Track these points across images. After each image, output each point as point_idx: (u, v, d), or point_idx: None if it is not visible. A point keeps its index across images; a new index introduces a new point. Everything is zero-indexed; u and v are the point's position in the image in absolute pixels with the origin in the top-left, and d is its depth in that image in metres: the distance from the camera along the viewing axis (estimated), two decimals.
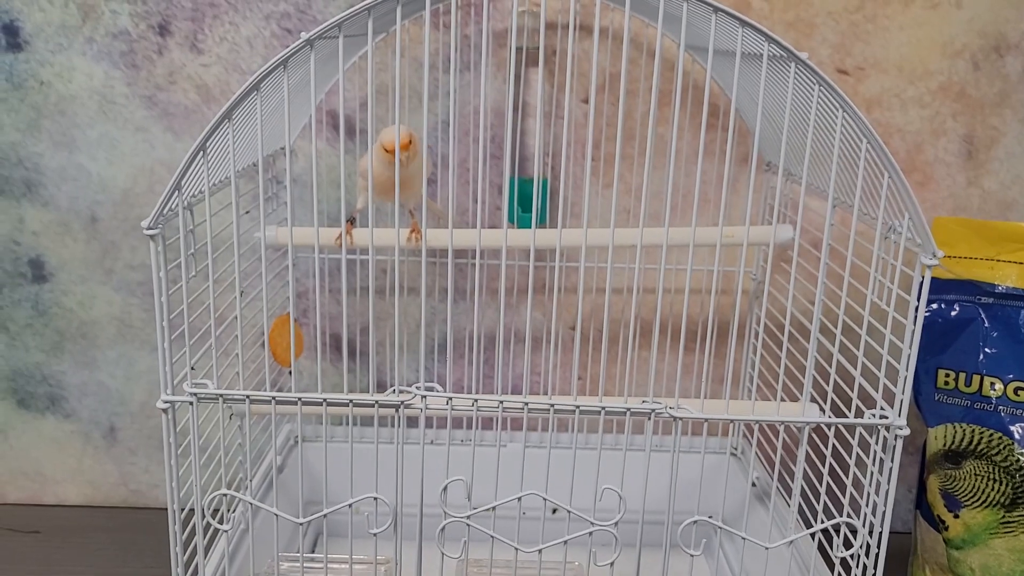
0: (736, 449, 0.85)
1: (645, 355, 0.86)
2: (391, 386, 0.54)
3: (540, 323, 0.86)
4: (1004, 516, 0.70)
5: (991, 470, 0.71)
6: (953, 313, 0.74)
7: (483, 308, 0.84)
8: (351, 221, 0.67)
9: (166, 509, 0.55)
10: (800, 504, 0.63)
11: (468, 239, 0.65)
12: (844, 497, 0.58)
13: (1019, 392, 0.71)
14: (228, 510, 0.57)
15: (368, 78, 0.51)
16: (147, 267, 0.84)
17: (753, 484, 0.77)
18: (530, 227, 0.76)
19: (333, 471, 0.57)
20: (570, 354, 0.86)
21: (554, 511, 0.55)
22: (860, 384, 0.58)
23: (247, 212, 0.66)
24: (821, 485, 0.63)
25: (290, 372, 0.81)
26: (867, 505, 0.57)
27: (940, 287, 0.74)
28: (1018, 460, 0.70)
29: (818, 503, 0.61)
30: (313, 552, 0.79)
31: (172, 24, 0.80)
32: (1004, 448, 0.70)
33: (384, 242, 0.68)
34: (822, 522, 0.58)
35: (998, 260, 0.73)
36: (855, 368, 0.58)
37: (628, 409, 0.53)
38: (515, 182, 0.79)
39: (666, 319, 0.83)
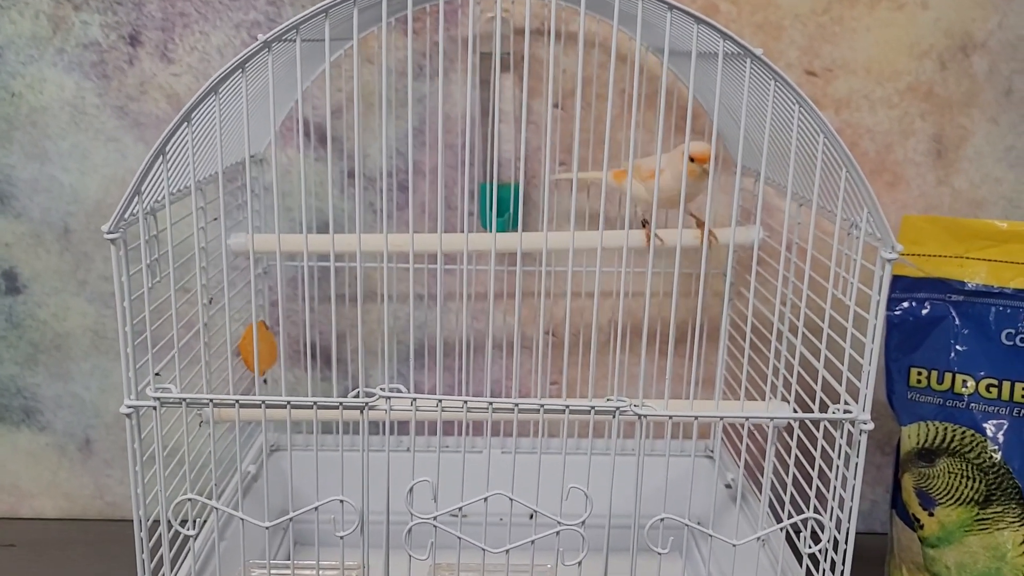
0: (714, 452, 0.85)
1: (621, 358, 0.86)
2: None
3: (512, 327, 0.86)
4: (978, 513, 0.70)
5: (964, 467, 0.71)
6: (924, 311, 0.74)
7: (459, 314, 0.84)
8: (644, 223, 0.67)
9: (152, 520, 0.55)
10: (774, 503, 0.63)
11: (433, 244, 0.66)
12: (812, 493, 0.59)
13: (991, 389, 0.71)
14: (194, 516, 0.56)
15: (326, 84, 0.51)
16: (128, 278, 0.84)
17: (727, 486, 0.77)
18: (503, 231, 0.77)
19: (306, 477, 0.57)
20: (547, 359, 0.86)
21: (531, 516, 0.55)
22: (827, 381, 0.58)
23: (215, 219, 0.66)
24: (793, 483, 0.64)
25: (265, 380, 0.81)
26: (834, 499, 0.57)
27: (910, 285, 0.75)
28: (991, 457, 0.70)
29: (790, 501, 0.61)
30: (290, 560, 0.79)
31: (142, 34, 0.80)
32: (977, 445, 0.71)
33: (361, 248, 0.69)
34: (789, 518, 0.58)
35: (967, 258, 0.73)
36: (824, 365, 0.58)
37: (592, 408, 0.53)
38: (487, 188, 0.79)
39: (639, 322, 0.84)
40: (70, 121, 0.81)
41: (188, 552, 0.60)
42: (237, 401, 0.52)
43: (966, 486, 0.70)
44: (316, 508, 0.53)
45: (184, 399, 0.52)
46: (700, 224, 0.68)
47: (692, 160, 0.60)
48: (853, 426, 0.55)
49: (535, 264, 0.83)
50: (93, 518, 0.92)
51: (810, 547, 0.58)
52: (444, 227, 0.82)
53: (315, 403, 0.52)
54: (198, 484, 0.63)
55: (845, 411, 0.55)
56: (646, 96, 0.80)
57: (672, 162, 0.63)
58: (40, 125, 0.81)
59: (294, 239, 0.63)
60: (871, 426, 0.54)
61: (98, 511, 0.92)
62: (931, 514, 0.72)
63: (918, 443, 0.73)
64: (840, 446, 0.56)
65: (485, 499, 0.53)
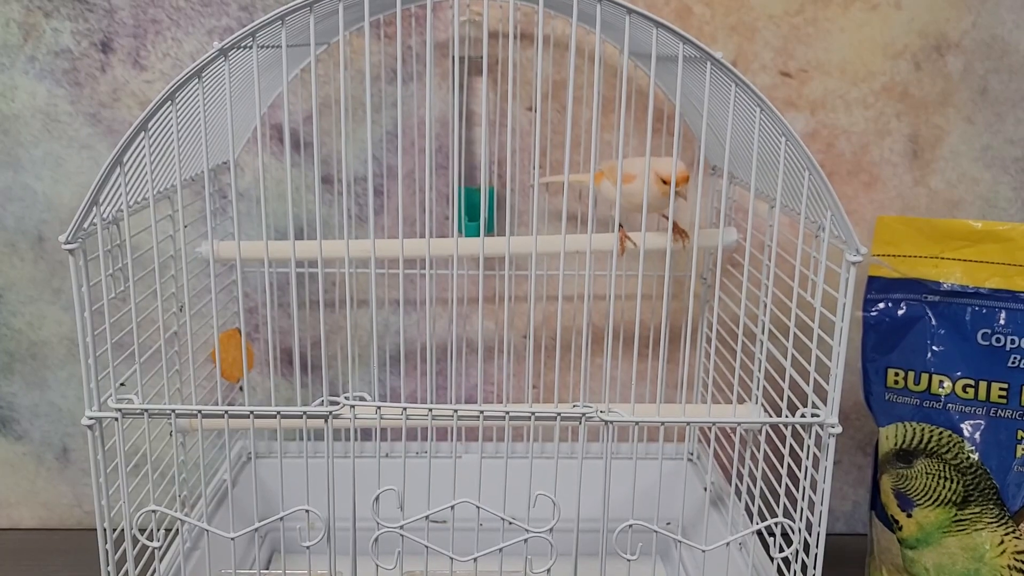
0: (692, 455, 0.84)
1: (600, 362, 0.86)
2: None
3: (491, 332, 0.85)
4: (956, 514, 0.70)
5: (942, 468, 0.70)
6: (900, 312, 0.74)
7: (426, 319, 0.84)
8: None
9: (120, 530, 0.55)
10: (750, 506, 0.63)
11: (412, 249, 0.66)
12: (783, 497, 0.58)
13: (967, 389, 0.71)
14: (164, 527, 0.56)
15: (283, 92, 0.51)
16: (95, 287, 0.84)
17: (705, 489, 0.77)
18: (476, 236, 0.76)
19: (280, 486, 0.56)
20: (523, 363, 0.86)
21: (509, 522, 0.54)
22: (797, 384, 0.57)
23: (187, 226, 0.65)
24: (767, 487, 0.63)
25: (240, 388, 0.80)
26: (803, 499, 0.56)
27: (886, 286, 0.74)
28: (968, 457, 0.70)
29: (766, 505, 0.61)
30: (268, 568, 0.79)
31: (114, 41, 0.79)
32: (954, 446, 0.70)
33: (333, 254, 0.68)
34: (758, 523, 0.57)
35: (942, 258, 0.73)
36: (795, 369, 0.57)
37: (559, 414, 0.52)
38: (462, 191, 0.78)
39: (615, 325, 0.83)
40: (42, 129, 0.81)
41: (154, 564, 0.59)
42: (199, 412, 0.52)
43: (944, 487, 0.70)
44: (282, 518, 0.53)
45: (146, 410, 0.52)
46: (676, 225, 0.68)
47: (665, 183, 0.59)
48: (822, 429, 0.54)
49: (513, 268, 0.83)
50: (72, 527, 0.91)
51: (781, 550, 0.57)
52: (421, 232, 0.82)
53: (278, 412, 0.52)
54: (170, 494, 0.63)
55: (813, 414, 0.55)
56: (595, 95, 0.80)
57: (644, 174, 0.62)
58: (12, 133, 0.81)
59: (258, 246, 0.63)
60: (839, 429, 0.54)
61: (77, 520, 0.91)
62: (909, 515, 0.71)
63: (896, 444, 0.73)
64: (809, 448, 0.56)
65: (452, 507, 0.53)
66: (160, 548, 0.55)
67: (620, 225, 0.66)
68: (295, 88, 0.80)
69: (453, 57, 0.77)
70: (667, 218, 0.69)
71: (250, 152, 0.81)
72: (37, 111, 0.80)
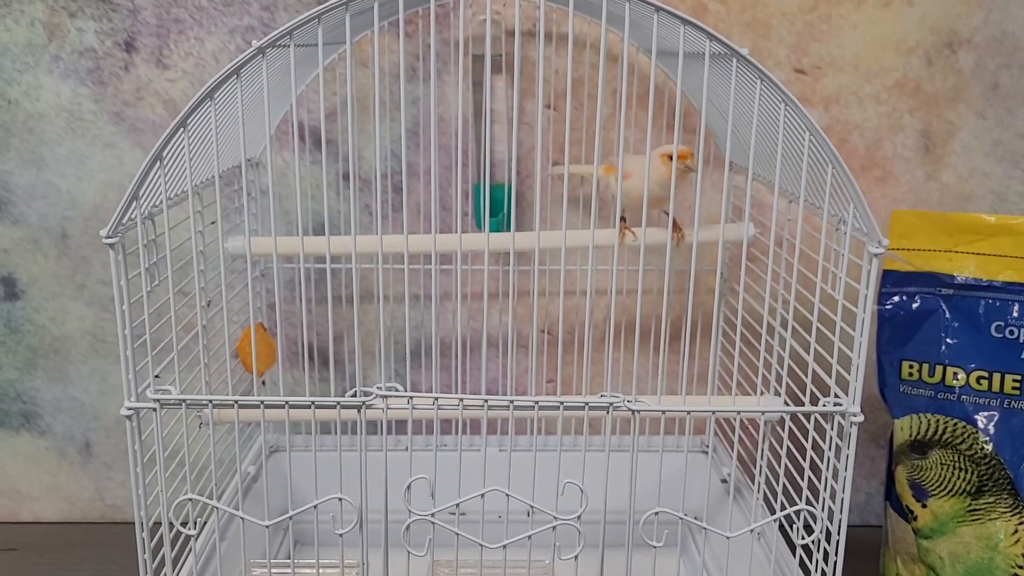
0: (709, 447, 0.85)
1: (617, 356, 0.87)
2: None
3: (512, 327, 0.86)
4: (971, 504, 0.71)
5: (956, 459, 0.71)
6: (914, 305, 0.75)
7: (455, 313, 0.85)
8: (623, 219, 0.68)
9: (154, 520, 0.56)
10: (769, 496, 0.64)
11: (428, 245, 0.66)
12: (805, 486, 0.59)
13: (981, 381, 0.72)
14: (195, 517, 0.57)
15: (320, 88, 0.52)
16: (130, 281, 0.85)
17: (724, 480, 0.78)
18: (496, 231, 0.77)
19: (306, 477, 0.57)
20: (542, 357, 0.87)
21: (528, 512, 0.55)
22: (818, 375, 0.58)
23: (212, 222, 0.66)
24: (787, 476, 0.64)
25: (263, 382, 0.81)
26: (825, 490, 0.57)
27: (901, 280, 0.75)
28: (982, 448, 0.71)
29: (786, 495, 0.62)
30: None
31: (138, 40, 0.80)
32: (968, 437, 0.71)
33: (359, 249, 0.69)
34: (783, 510, 0.58)
35: (956, 251, 0.74)
36: (815, 360, 0.58)
37: (586, 404, 0.53)
38: (481, 188, 0.80)
39: (634, 319, 0.84)
40: (67, 127, 0.82)
41: (189, 552, 0.60)
42: (236, 402, 0.53)
43: (958, 477, 0.71)
44: (315, 507, 0.54)
45: (184, 400, 0.53)
46: (674, 222, 0.69)
47: (670, 158, 0.59)
48: (843, 418, 0.55)
49: (531, 263, 0.84)
50: (94, 521, 0.92)
51: (803, 538, 0.58)
52: (439, 228, 0.83)
53: (312, 403, 0.53)
54: (198, 485, 0.64)
55: (835, 404, 0.56)
56: (638, 96, 0.81)
57: (643, 165, 0.62)
58: (37, 131, 0.82)
59: (290, 241, 0.64)
60: (861, 418, 0.55)
61: (99, 514, 0.92)
62: (924, 505, 0.72)
63: (911, 435, 0.74)
64: (831, 438, 0.57)
65: (482, 495, 0.54)
66: (195, 536, 0.56)
67: (623, 218, 0.67)
68: (315, 87, 0.81)
69: (481, 55, 0.78)
70: (667, 214, 0.70)
71: (271, 150, 0.82)
72: (61, 110, 0.81)
